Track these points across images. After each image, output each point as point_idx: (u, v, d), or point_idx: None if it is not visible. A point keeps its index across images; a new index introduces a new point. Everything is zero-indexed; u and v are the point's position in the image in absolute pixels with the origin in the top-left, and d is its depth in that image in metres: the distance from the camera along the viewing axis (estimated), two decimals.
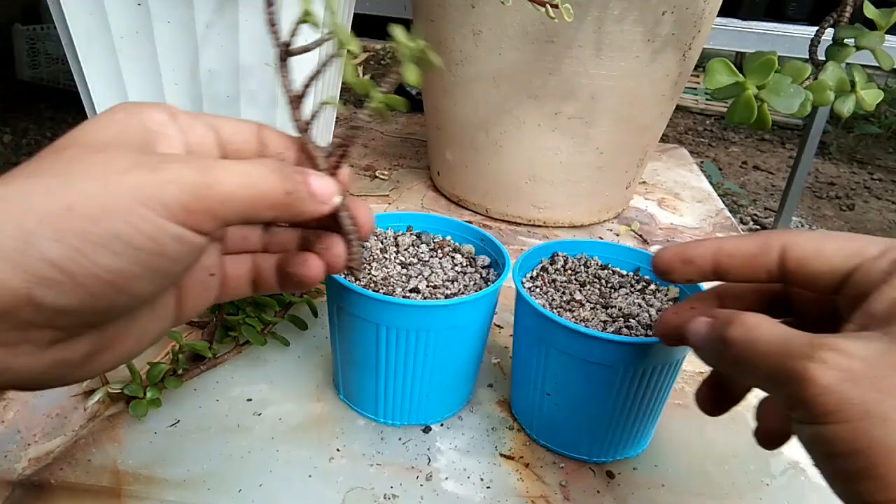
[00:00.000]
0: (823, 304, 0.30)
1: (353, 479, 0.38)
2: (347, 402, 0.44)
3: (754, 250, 0.29)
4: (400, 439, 0.41)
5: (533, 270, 0.44)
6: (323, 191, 0.27)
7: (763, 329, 0.25)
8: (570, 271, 0.44)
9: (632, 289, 0.43)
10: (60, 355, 0.23)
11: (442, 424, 0.43)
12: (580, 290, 0.42)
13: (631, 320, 0.39)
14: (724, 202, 0.84)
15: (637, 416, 0.39)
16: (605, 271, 0.44)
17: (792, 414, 0.23)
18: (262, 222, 0.29)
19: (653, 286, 0.43)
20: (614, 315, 0.40)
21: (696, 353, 0.29)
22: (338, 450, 0.40)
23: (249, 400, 0.44)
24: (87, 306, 0.22)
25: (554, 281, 0.43)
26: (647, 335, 0.38)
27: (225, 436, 0.41)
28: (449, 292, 0.41)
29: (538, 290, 0.42)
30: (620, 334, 0.38)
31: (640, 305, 0.41)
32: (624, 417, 0.38)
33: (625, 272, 0.45)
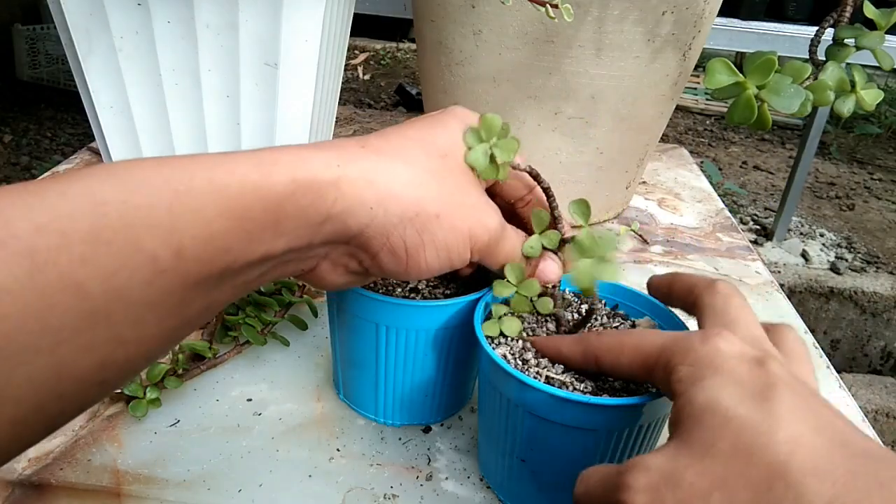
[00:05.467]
0: None
1: (353, 479, 0.38)
2: (347, 402, 0.44)
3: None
4: (400, 439, 0.41)
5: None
6: (550, 274, 0.36)
7: (591, 476, 0.27)
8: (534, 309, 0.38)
9: (604, 328, 0.38)
10: (350, 280, 0.32)
11: (442, 424, 0.43)
12: (546, 334, 0.37)
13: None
14: (724, 202, 0.84)
15: None
16: (582, 305, 0.40)
17: None
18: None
19: (629, 323, 0.39)
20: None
21: None
22: (338, 450, 0.40)
23: (249, 400, 0.44)
24: (393, 273, 0.31)
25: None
26: (629, 388, 0.34)
27: (225, 436, 0.41)
28: (449, 292, 0.41)
29: (500, 336, 0.37)
30: (602, 390, 0.33)
31: None
32: None
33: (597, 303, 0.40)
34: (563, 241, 0.36)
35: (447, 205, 0.30)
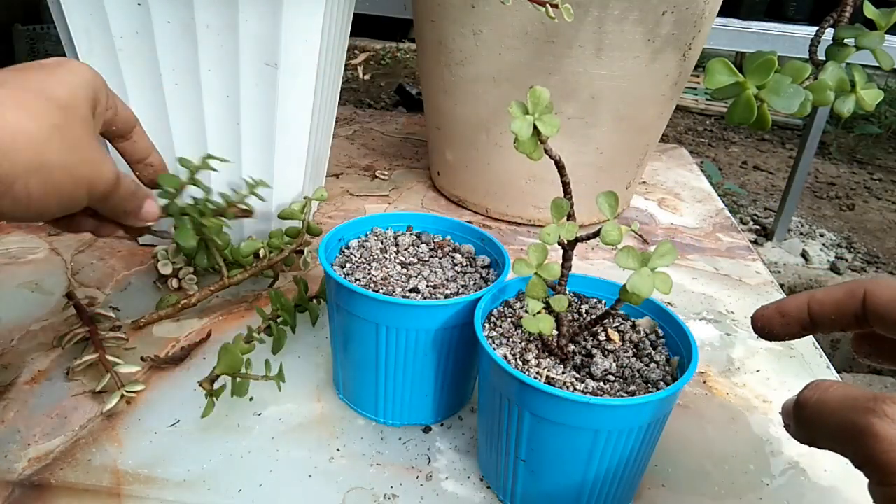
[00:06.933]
0: None
1: (353, 479, 0.38)
2: (347, 402, 0.44)
3: (841, 297, 0.31)
4: (400, 439, 0.41)
5: (494, 311, 0.39)
6: (150, 214, 0.40)
7: (833, 389, 0.26)
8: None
9: (604, 328, 0.38)
10: None
11: (442, 424, 0.43)
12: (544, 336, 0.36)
13: (609, 374, 0.35)
14: (724, 202, 0.84)
15: (625, 476, 0.35)
16: (582, 305, 0.40)
17: (864, 473, 0.24)
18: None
19: (629, 323, 0.39)
20: (588, 364, 0.35)
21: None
22: (338, 450, 0.40)
23: (250, 400, 0.44)
24: (15, 216, 0.31)
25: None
26: (626, 390, 0.34)
27: (225, 436, 0.41)
28: (449, 292, 0.41)
29: (500, 336, 0.37)
30: (602, 390, 0.34)
31: (615, 352, 0.36)
32: (609, 481, 0.34)
33: (597, 303, 0.41)
34: (582, 238, 0.35)
35: (70, 157, 0.32)
